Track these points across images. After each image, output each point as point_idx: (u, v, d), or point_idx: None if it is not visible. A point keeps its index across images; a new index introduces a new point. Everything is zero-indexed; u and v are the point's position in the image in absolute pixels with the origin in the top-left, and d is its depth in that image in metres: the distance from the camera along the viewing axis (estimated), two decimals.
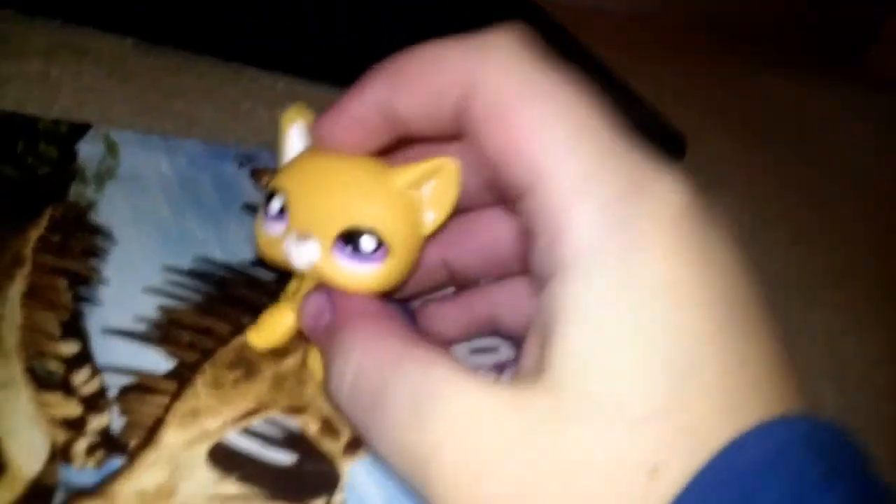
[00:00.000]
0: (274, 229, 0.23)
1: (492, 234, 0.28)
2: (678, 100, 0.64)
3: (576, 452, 0.18)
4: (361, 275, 0.23)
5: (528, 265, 0.21)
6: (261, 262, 0.28)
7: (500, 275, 0.29)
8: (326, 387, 0.22)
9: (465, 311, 0.30)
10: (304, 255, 0.23)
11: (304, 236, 0.23)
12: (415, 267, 0.24)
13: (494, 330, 0.30)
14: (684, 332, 0.18)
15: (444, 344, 0.31)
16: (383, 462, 0.21)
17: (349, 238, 0.22)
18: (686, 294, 0.18)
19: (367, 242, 0.22)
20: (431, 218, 0.24)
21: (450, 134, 0.22)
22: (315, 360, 0.26)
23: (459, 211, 0.25)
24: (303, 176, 0.23)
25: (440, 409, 0.19)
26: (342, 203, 0.22)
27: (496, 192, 0.26)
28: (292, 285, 0.27)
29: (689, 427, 0.18)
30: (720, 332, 0.18)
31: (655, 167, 0.20)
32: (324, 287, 0.24)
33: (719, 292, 0.19)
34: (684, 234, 0.19)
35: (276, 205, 0.23)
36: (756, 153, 0.65)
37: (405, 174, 0.23)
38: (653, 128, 0.56)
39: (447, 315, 0.30)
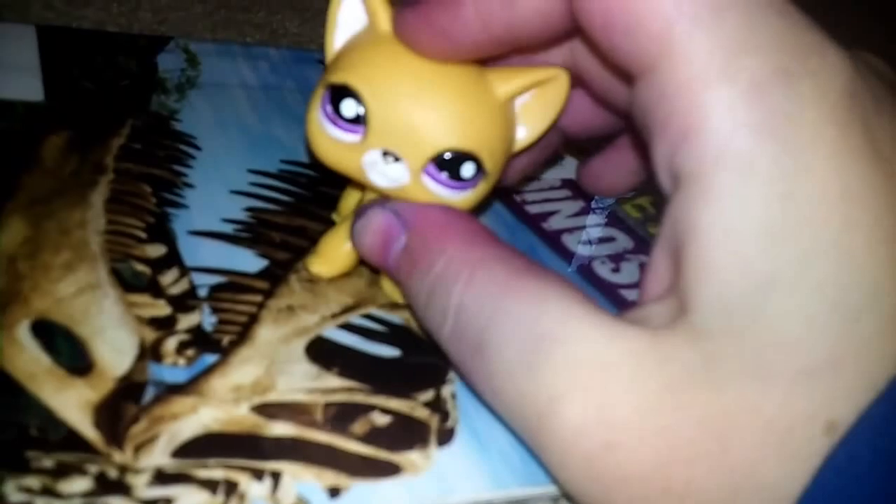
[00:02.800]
0: (346, 137, 0.20)
1: (602, 86, 0.23)
2: None
3: (736, 411, 0.15)
4: (451, 199, 0.20)
5: (651, 161, 0.17)
6: (315, 162, 0.24)
7: (615, 130, 0.25)
8: (424, 322, 0.19)
9: (625, 165, 0.26)
10: (390, 176, 0.19)
11: (390, 155, 0.19)
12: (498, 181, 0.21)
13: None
14: (857, 262, 0.14)
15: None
16: (491, 409, 0.18)
17: (446, 162, 0.19)
18: (858, 210, 0.15)
19: (467, 169, 0.19)
20: (524, 134, 0.21)
21: (557, 34, 0.18)
22: (390, 284, 0.23)
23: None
24: (385, 77, 0.19)
25: (559, 355, 0.16)
26: (441, 120, 0.19)
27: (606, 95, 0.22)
28: (347, 200, 0.24)
29: (865, 373, 0.14)
30: None
31: (818, 39, 0.15)
32: (382, 198, 0.21)
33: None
34: (854, 128, 0.15)
35: (350, 108, 0.19)
36: None
37: (508, 84, 0.20)
38: None
39: (618, 166, 0.26)
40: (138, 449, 0.17)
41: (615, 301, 0.27)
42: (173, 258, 0.22)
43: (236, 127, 0.29)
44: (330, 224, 0.25)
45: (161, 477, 0.17)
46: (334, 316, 0.22)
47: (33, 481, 0.16)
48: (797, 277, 0.14)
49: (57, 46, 0.28)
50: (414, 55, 0.19)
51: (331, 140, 0.20)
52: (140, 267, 0.22)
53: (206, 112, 0.29)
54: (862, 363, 0.14)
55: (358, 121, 0.19)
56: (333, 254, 0.23)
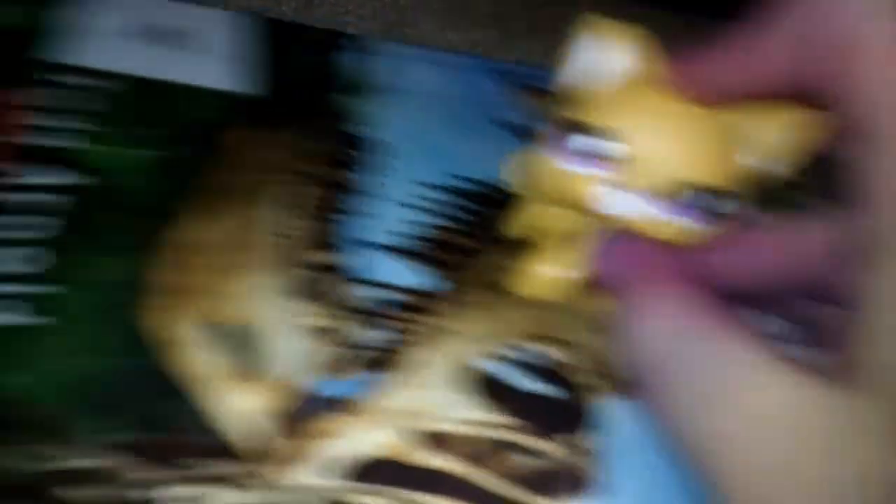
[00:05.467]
0: (584, 169, 0.19)
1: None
2: None
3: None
4: (688, 232, 0.19)
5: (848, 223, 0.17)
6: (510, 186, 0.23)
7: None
8: (629, 344, 0.19)
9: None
10: (631, 207, 0.19)
11: (642, 190, 0.19)
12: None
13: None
14: None
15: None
16: (662, 429, 0.18)
17: (699, 197, 0.19)
18: None
19: (725, 205, 0.19)
20: (780, 169, 0.20)
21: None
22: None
23: None
24: (643, 120, 0.19)
25: (735, 400, 0.16)
26: (700, 160, 0.19)
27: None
28: (535, 218, 0.23)
29: None
30: None
31: None
32: (620, 231, 0.20)
33: None
34: None
35: (606, 149, 0.19)
36: None
37: (764, 129, 0.20)
38: None
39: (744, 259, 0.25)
40: (290, 463, 0.17)
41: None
42: (343, 268, 0.22)
43: (413, 134, 0.28)
44: (498, 243, 0.24)
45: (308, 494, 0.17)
46: (494, 345, 0.22)
47: (185, 490, 0.16)
48: None
49: (248, 36, 0.29)
50: (667, 99, 0.19)
51: (565, 170, 0.19)
52: (310, 273, 0.22)
53: (382, 117, 0.29)
54: None
55: (605, 158, 0.19)
56: (540, 282, 0.22)
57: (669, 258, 0.20)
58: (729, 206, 0.19)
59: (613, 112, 0.19)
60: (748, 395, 0.16)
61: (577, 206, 0.20)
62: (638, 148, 0.19)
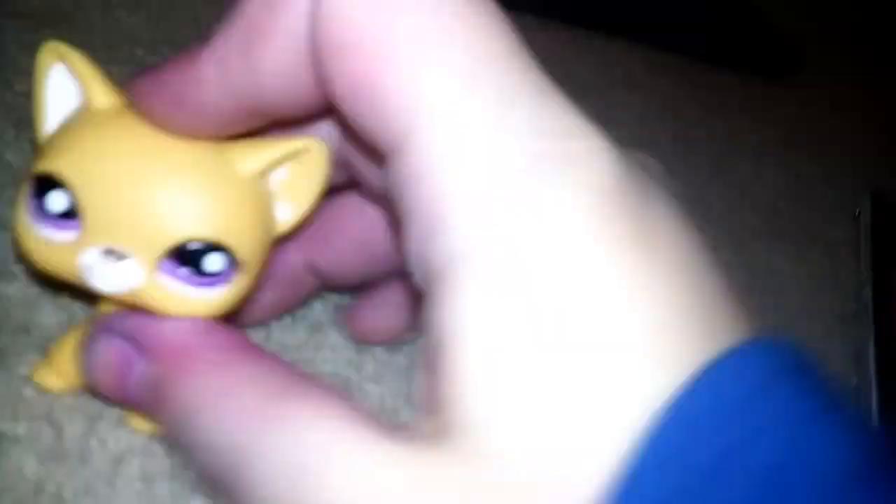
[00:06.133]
0: (56, 235, 0.16)
1: (362, 225, 0.21)
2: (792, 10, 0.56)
3: None
4: (201, 300, 0.17)
5: (402, 263, 0.15)
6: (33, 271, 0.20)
7: (379, 273, 0.22)
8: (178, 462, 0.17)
9: (397, 307, 0.23)
10: (117, 278, 0.16)
11: (115, 253, 0.16)
12: (263, 277, 0.18)
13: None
14: (627, 367, 0.13)
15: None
16: None
17: (185, 255, 0.16)
18: (625, 305, 0.13)
19: (213, 261, 0.16)
20: (287, 214, 0.18)
21: (311, 106, 0.16)
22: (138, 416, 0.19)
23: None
24: (100, 159, 0.16)
25: (324, 490, 0.14)
26: (172, 204, 0.16)
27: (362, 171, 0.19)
28: (102, 306, 0.19)
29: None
30: (665, 360, 0.13)
31: (580, 124, 0.14)
32: (124, 312, 0.17)
33: (668, 301, 0.13)
34: (620, 215, 0.13)
35: (57, 202, 0.16)
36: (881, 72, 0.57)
37: (252, 159, 0.17)
38: (767, 40, 0.50)
39: (385, 314, 0.23)
40: None
41: None
42: None
43: None
44: None
45: None
46: None
47: None
48: (556, 384, 0.13)
49: None
50: (135, 133, 0.16)
51: (40, 239, 0.16)
52: None
53: None
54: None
55: (70, 215, 0.16)
56: (67, 365, 0.18)
57: (206, 336, 0.17)
58: (217, 262, 0.16)
59: (71, 156, 0.16)
60: (331, 483, 0.14)
61: (70, 281, 0.17)
62: (90, 194, 0.16)
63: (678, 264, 0.14)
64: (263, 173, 0.17)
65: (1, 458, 0.17)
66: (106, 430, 0.19)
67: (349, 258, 0.22)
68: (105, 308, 0.18)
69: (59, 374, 0.19)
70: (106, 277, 0.16)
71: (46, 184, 0.16)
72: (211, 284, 0.16)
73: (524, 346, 0.13)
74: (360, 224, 0.21)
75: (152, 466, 0.18)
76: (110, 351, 0.17)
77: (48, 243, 0.16)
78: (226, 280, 0.16)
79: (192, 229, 0.16)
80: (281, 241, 0.18)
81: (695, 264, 0.14)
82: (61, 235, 0.16)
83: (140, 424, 0.19)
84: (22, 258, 0.18)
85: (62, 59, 0.17)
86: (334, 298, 0.25)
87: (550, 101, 0.14)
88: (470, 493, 0.13)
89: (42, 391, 0.19)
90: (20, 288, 0.21)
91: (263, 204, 0.17)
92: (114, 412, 0.19)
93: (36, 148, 0.18)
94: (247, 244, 0.17)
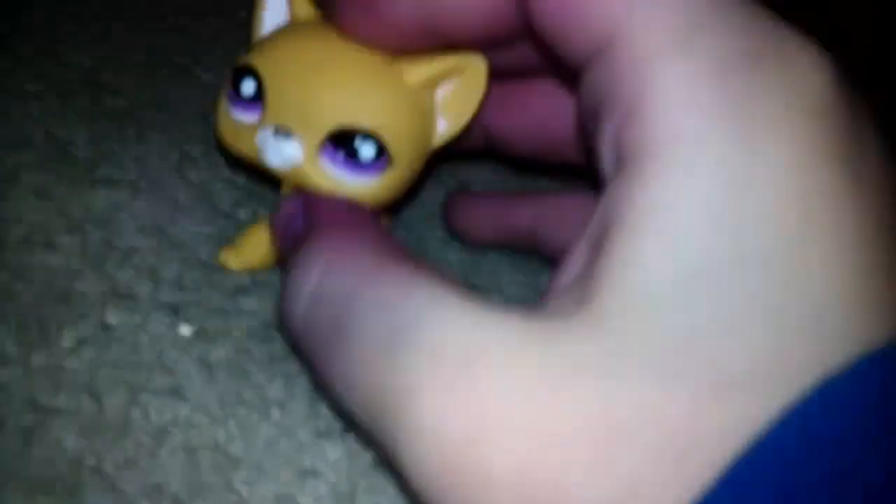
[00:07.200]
0: (244, 116, 0.19)
1: (548, 107, 0.21)
2: None
3: (630, 418, 0.12)
4: (353, 186, 0.19)
5: (590, 157, 0.15)
6: (225, 154, 0.22)
7: (552, 159, 0.23)
8: (280, 309, 0.17)
9: (503, 214, 0.24)
10: (283, 154, 0.18)
11: (283, 131, 0.18)
12: (415, 182, 0.20)
13: (534, 247, 0.24)
14: (807, 271, 0.12)
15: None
16: (346, 412, 0.15)
17: (343, 140, 0.18)
18: (819, 215, 0.13)
19: (365, 148, 0.18)
20: (444, 127, 0.19)
21: (503, 28, 0.17)
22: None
23: (510, 74, 0.20)
24: (286, 56, 0.19)
25: (420, 340, 0.14)
26: (336, 95, 0.18)
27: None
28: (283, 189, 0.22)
29: (786, 394, 0.12)
30: (859, 285, 0.13)
31: (788, 31, 0.14)
32: (306, 192, 0.19)
33: (866, 228, 0.13)
34: (825, 126, 0.13)
35: (248, 87, 0.19)
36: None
37: (418, 69, 0.19)
38: None
39: (481, 213, 0.24)
40: None
41: None
42: None
43: None
44: None
45: None
46: None
47: None
48: (732, 276, 0.12)
49: None
50: (320, 37, 0.19)
51: (232, 121, 0.19)
52: None
53: None
54: (786, 382, 0.12)
55: (256, 99, 0.19)
56: (248, 247, 0.21)
57: (338, 203, 0.19)
58: (370, 151, 0.18)
59: (265, 52, 0.19)
60: (426, 334, 0.14)
61: (252, 161, 0.19)
62: (273, 81, 0.18)
63: (876, 215, 0.13)
64: (427, 84, 0.19)
65: (40, 430, 0.17)
66: (148, 401, 0.18)
67: (524, 133, 0.22)
68: (285, 191, 0.20)
69: (239, 256, 0.21)
70: (274, 153, 0.18)
71: (241, 73, 0.19)
72: (363, 172, 0.18)
73: (700, 234, 0.13)
74: (549, 104, 0.21)
75: (196, 439, 0.17)
76: (290, 206, 0.19)
77: (236, 124, 0.19)
78: (376, 171, 0.18)
79: (350, 117, 0.18)
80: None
81: (886, 219, 0.13)
82: (247, 116, 0.19)
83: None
84: (219, 138, 0.20)
85: None
86: None
87: (763, 11, 0.14)
88: (585, 355, 0.13)
89: (84, 363, 0.18)
90: (63, 259, 0.20)
91: (422, 112, 0.19)
92: (156, 382, 0.18)
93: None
94: (401, 141, 0.18)
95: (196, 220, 0.23)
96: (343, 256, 0.16)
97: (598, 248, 0.14)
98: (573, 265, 0.15)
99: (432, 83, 0.19)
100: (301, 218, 0.18)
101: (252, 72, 0.19)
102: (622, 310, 0.13)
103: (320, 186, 0.19)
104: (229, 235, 0.22)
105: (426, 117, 0.19)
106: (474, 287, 0.24)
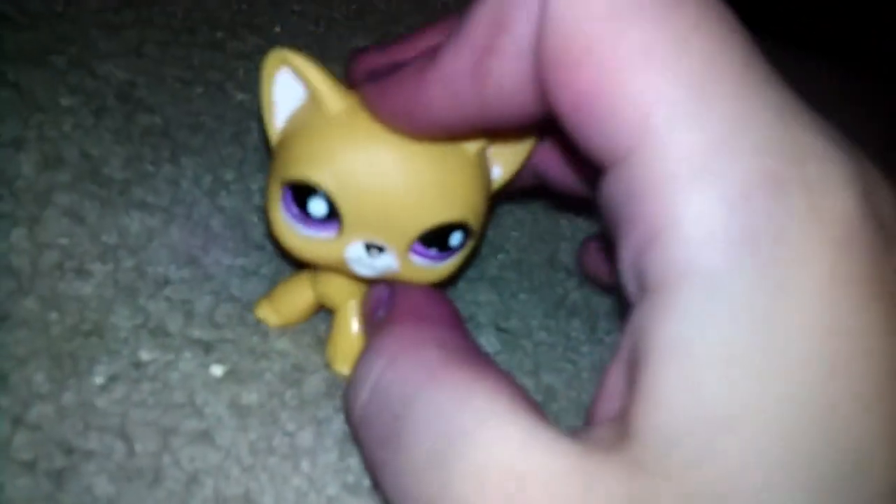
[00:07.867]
0: (317, 234, 0.18)
1: None
2: None
3: None
4: (441, 269, 0.19)
5: (616, 262, 0.15)
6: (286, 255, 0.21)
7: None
8: (343, 396, 0.18)
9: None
10: (377, 267, 0.18)
11: (376, 246, 0.18)
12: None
13: None
14: (838, 417, 0.12)
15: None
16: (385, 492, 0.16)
17: (432, 237, 0.18)
18: (849, 353, 0.12)
19: (455, 237, 0.18)
20: (499, 174, 0.20)
21: (531, 117, 0.16)
22: (336, 346, 0.21)
23: None
24: (352, 168, 0.17)
25: (471, 457, 0.14)
26: (420, 199, 0.18)
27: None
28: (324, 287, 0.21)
29: None
30: (892, 430, 0.13)
31: (821, 144, 0.13)
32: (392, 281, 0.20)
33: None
34: (853, 254, 0.13)
35: (318, 208, 0.18)
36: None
37: (477, 139, 0.18)
38: None
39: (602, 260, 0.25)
40: None
41: None
42: None
43: None
44: None
45: None
46: None
47: None
48: (760, 422, 0.12)
49: None
50: (376, 137, 0.17)
51: (304, 238, 0.18)
52: None
53: None
54: None
55: (330, 217, 0.18)
56: (288, 303, 0.21)
57: (419, 294, 0.19)
58: (458, 237, 0.18)
59: (323, 167, 0.17)
60: (478, 451, 0.14)
61: (334, 268, 0.19)
62: (347, 198, 0.17)
63: None
64: (486, 146, 0.19)
65: (71, 473, 0.17)
66: (179, 446, 0.18)
67: (575, 167, 0.22)
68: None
69: (277, 311, 0.21)
70: (369, 267, 0.18)
71: (304, 191, 0.18)
72: (452, 255, 0.19)
73: (723, 377, 0.12)
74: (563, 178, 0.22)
75: (227, 489, 0.17)
76: (374, 290, 0.20)
77: (312, 241, 0.18)
78: (461, 248, 0.19)
79: (438, 217, 0.18)
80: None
81: None
82: (323, 234, 0.18)
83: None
84: (287, 249, 0.19)
85: (286, 62, 0.18)
86: None
87: (788, 116, 0.13)
88: (622, 496, 0.13)
89: (115, 402, 0.18)
90: (95, 287, 0.20)
91: (486, 173, 0.19)
92: (187, 425, 0.18)
93: (268, 148, 0.19)
94: (480, 216, 0.19)
95: (228, 250, 0.22)
96: (408, 353, 0.16)
97: (631, 381, 0.14)
98: (612, 390, 0.15)
99: (488, 143, 0.19)
100: (385, 307, 0.19)
101: (317, 189, 0.17)
102: (654, 454, 0.13)
103: (411, 280, 0.19)
104: (262, 272, 0.22)
105: (487, 177, 0.19)
106: (504, 331, 0.24)
